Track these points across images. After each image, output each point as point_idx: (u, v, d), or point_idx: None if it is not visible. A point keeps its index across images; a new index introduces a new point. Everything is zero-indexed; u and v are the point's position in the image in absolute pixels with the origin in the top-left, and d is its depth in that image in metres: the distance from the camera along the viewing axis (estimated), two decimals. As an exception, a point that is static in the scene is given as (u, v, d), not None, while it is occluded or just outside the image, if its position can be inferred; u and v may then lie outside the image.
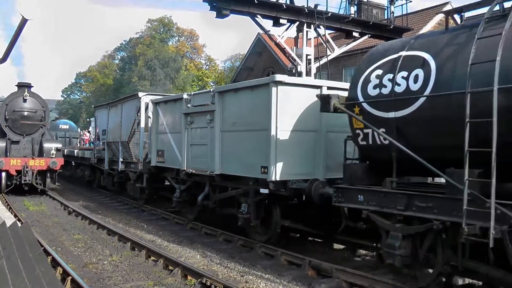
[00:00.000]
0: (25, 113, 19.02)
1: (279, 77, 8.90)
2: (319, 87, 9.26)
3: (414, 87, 6.48)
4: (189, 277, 7.56)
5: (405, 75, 6.64)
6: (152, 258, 8.85)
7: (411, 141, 6.60)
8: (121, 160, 16.93)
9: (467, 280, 7.18)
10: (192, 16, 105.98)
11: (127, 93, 53.30)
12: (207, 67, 61.37)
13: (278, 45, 17.09)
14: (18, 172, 17.78)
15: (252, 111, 9.46)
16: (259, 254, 9.26)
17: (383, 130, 6.91)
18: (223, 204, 11.13)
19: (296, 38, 17.60)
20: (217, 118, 10.42)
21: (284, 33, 16.94)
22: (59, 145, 19.56)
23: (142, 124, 15.34)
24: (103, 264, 8.54)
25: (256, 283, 7.31)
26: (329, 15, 16.81)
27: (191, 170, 11.54)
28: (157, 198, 15.83)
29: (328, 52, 17.34)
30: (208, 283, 7.03)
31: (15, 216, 12.49)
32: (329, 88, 9.23)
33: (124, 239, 10.37)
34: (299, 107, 8.96)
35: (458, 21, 7.09)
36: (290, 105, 8.91)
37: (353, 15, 18.03)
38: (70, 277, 7.05)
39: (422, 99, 6.36)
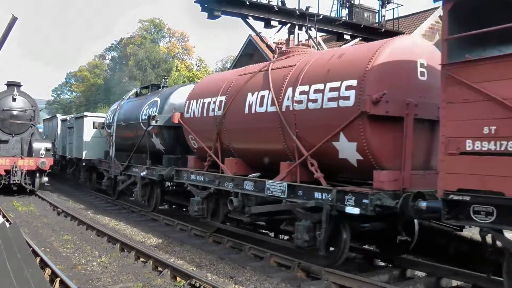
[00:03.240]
0: (15, 113, 18.92)
1: (86, 113, 20.65)
2: None
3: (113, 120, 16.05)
4: (178, 279, 7.55)
5: (113, 114, 16.42)
6: (142, 259, 8.83)
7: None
8: (52, 153, 26.09)
9: (456, 282, 7.30)
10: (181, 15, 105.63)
11: (117, 94, 53.20)
12: (198, 68, 61.17)
13: (269, 47, 17.12)
14: (7, 172, 17.65)
15: (81, 127, 19.83)
16: (248, 255, 9.28)
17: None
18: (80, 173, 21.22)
19: (287, 40, 17.65)
20: (74, 130, 21.00)
21: (275, 35, 16.99)
22: (49, 145, 19.41)
23: (59, 132, 25.27)
24: (92, 265, 8.51)
25: (245, 285, 7.32)
26: (321, 17, 16.90)
27: (69, 156, 21.98)
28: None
29: (319, 55, 17.37)
30: (198, 285, 7.01)
31: (3, 216, 12.40)
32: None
33: (113, 240, 10.34)
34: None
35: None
36: (91, 125, 19.37)
37: (344, 18, 18.14)
38: (58, 278, 7.01)
39: (115, 125, 15.88)
